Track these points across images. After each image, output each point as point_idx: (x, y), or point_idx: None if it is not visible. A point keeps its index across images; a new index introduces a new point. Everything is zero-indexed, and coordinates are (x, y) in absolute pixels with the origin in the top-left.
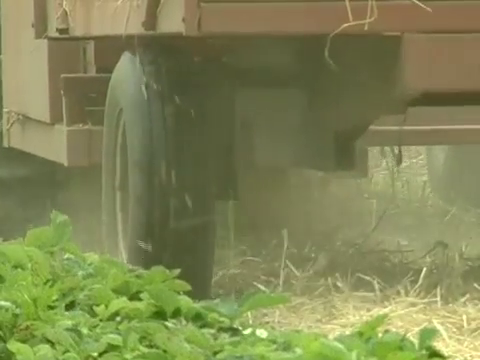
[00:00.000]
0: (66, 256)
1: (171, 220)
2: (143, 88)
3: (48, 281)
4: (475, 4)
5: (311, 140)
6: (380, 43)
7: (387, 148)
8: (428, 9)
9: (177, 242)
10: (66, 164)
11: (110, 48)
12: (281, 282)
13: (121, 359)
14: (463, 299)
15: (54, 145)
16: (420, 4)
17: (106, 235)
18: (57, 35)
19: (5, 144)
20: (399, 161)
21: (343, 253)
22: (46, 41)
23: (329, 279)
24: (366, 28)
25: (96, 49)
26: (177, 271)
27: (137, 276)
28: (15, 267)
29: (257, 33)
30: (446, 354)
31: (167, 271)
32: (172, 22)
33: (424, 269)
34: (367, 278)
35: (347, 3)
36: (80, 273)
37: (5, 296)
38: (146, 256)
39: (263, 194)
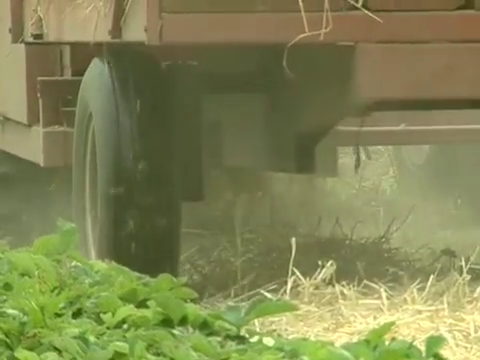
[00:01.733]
0: (73, 264)
1: (138, 219)
2: (111, 93)
3: (55, 289)
4: (425, 15)
5: (273, 143)
6: (336, 52)
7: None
8: (379, 20)
9: (144, 239)
10: (42, 164)
11: (85, 52)
12: (288, 290)
13: None
14: (470, 306)
15: (31, 146)
16: (372, 15)
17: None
18: (32, 40)
19: None
20: (357, 164)
21: (350, 261)
22: (23, 45)
23: (336, 287)
24: (321, 38)
25: (72, 53)
26: (183, 279)
27: (144, 284)
28: (22, 275)
29: (217, 42)
30: None
31: (174, 279)
32: (135, 31)
33: (431, 277)
34: (374, 286)
35: (303, 14)
36: (87, 281)
37: (12, 304)
38: (115, 254)
39: (272, 202)
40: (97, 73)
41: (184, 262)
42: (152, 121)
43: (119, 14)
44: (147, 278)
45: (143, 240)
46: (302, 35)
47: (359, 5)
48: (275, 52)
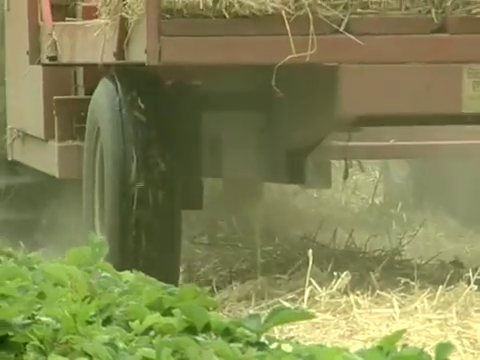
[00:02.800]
0: (103, 274)
1: (141, 224)
2: (117, 110)
3: (86, 298)
4: (403, 38)
5: (267, 156)
6: (322, 72)
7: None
8: (361, 43)
9: (147, 242)
10: (57, 176)
11: (97, 72)
12: (306, 299)
13: None
14: (477, 315)
15: (48, 159)
16: (354, 38)
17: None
18: (48, 61)
19: (9, 157)
20: (345, 176)
21: (364, 271)
22: (40, 67)
23: (351, 296)
24: (307, 59)
25: (85, 73)
26: (207, 289)
27: (170, 293)
28: (55, 285)
29: (211, 63)
30: None
31: (197, 289)
32: (137, 53)
33: (440, 287)
34: (387, 295)
35: (290, 37)
36: (116, 290)
37: (46, 312)
38: (120, 254)
39: (292, 221)
40: (105, 92)
41: (208, 273)
42: (155, 136)
43: (123, 37)
44: (172, 287)
45: (146, 243)
46: (289, 56)
47: (342, 29)
48: (269, 73)
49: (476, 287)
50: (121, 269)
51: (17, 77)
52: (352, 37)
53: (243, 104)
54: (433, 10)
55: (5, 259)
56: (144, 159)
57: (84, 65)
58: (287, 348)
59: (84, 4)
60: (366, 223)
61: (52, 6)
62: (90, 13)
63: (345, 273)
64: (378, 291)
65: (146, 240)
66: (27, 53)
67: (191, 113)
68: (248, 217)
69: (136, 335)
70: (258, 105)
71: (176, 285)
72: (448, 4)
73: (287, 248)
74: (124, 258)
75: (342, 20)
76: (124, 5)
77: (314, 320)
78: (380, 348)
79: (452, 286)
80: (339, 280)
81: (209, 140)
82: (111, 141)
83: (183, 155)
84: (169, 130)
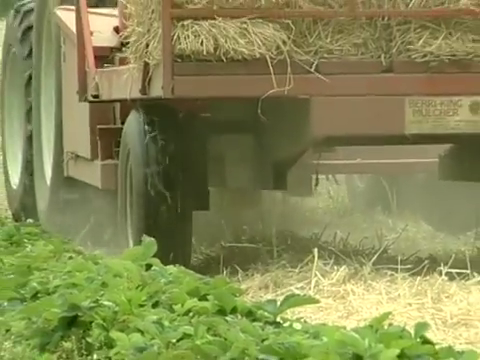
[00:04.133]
0: (152, 268)
1: (161, 224)
2: (143, 135)
3: (139, 286)
4: (360, 76)
5: (257, 169)
6: (297, 103)
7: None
8: (327, 80)
9: (166, 237)
10: (100, 187)
11: (128, 106)
12: (312, 287)
13: (193, 344)
14: (448, 300)
15: (93, 174)
16: (322, 77)
17: (121, 233)
18: (92, 99)
19: (65, 174)
20: (316, 184)
21: (359, 265)
22: (87, 103)
23: (348, 285)
24: (286, 93)
25: (120, 107)
26: (234, 280)
27: (205, 283)
28: (115, 276)
29: (213, 96)
30: (434, 342)
31: (227, 279)
32: (156, 89)
33: (418, 278)
34: (377, 285)
35: (272, 76)
36: (162, 280)
37: (108, 297)
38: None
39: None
40: (133, 121)
41: (237, 268)
42: (171, 154)
43: (145, 78)
44: (207, 278)
45: (166, 235)
46: (272, 91)
47: (312, 70)
48: (256, 104)
49: (447, 278)
50: None
51: (70, 111)
52: (320, 76)
53: (238, 129)
54: (382, 55)
55: (75, 256)
56: (164, 173)
57: (119, 101)
58: (297, 326)
59: (120, 55)
60: (342, 222)
61: (96, 57)
62: (124, 61)
63: (343, 267)
64: (369, 281)
65: (165, 234)
66: (77, 93)
67: (198, 137)
68: (257, 221)
69: (178, 316)
70: (249, 130)
71: (187, 266)
72: (394, 50)
73: (296, 247)
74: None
75: (313, 63)
76: (146, 52)
77: (319, 304)
78: (370, 326)
79: (428, 277)
80: (338, 272)
81: (213, 157)
82: (138, 159)
83: (193, 169)
84: (182, 150)
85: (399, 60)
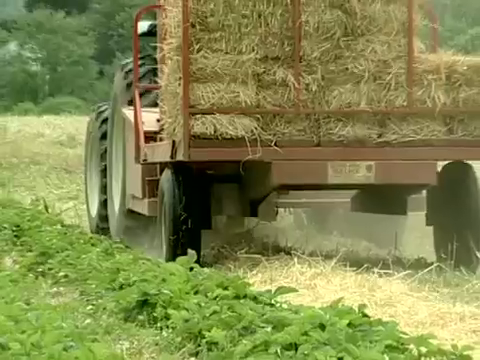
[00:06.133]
0: (194, 269)
1: (182, 234)
2: (172, 184)
3: (185, 281)
4: (301, 149)
5: (240, 203)
6: (264, 165)
7: None
8: (281, 151)
9: (186, 240)
10: (147, 214)
11: (164, 166)
12: (294, 281)
13: (219, 318)
14: (378, 289)
15: (143, 207)
16: (278, 149)
17: (157, 241)
18: (143, 162)
19: (126, 207)
20: (276, 213)
21: (323, 268)
22: (140, 165)
23: (316, 280)
24: (257, 158)
25: (160, 166)
26: (245, 276)
27: (227, 279)
28: (171, 274)
29: (213, 159)
30: (370, 316)
31: (240, 276)
32: (179, 155)
33: (359, 276)
34: (334, 280)
35: (249, 148)
36: (200, 277)
37: (166, 288)
38: (174, 245)
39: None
40: (166, 175)
41: (246, 270)
42: (188, 194)
43: (173, 148)
44: (227, 276)
45: (184, 243)
46: (248, 157)
47: (272, 145)
48: (239, 165)
49: (377, 275)
50: (175, 248)
51: (130, 169)
52: (277, 148)
53: (229, 180)
54: (314, 136)
55: (146, 261)
56: (184, 206)
57: (159, 163)
58: (284, 306)
59: (159, 135)
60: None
61: (145, 137)
62: (161, 139)
63: (313, 269)
64: (329, 277)
65: (184, 242)
66: (135, 158)
67: (205, 184)
68: (248, 237)
69: (210, 300)
70: (236, 180)
71: (198, 262)
72: (321, 134)
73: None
74: (172, 249)
75: (272, 140)
76: (174, 134)
77: (298, 293)
78: (330, 306)
79: (366, 275)
80: (310, 272)
81: (214, 196)
82: (169, 198)
83: (202, 203)
84: (195, 192)
85: (324, 139)
